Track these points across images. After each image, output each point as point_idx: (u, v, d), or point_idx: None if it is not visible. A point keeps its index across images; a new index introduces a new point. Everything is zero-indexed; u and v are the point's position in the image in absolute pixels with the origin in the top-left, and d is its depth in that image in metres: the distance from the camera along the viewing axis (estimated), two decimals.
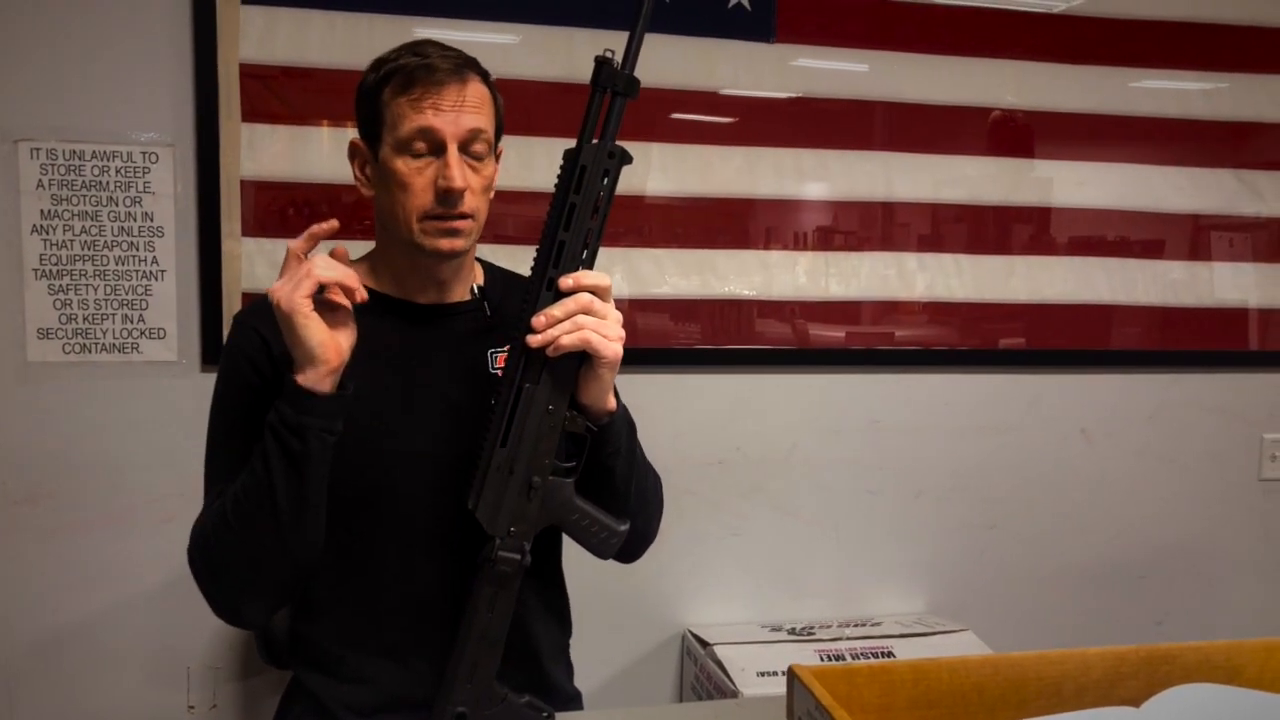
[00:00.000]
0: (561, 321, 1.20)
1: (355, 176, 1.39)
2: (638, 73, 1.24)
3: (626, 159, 1.23)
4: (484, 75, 1.35)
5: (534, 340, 1.20)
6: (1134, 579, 2.53)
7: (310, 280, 1.18)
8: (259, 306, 1.41)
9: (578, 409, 1.27)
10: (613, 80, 1.21)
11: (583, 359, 1.24)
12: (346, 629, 1.36)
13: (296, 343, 1.19)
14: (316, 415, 1.21)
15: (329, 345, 1.20)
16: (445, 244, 1.31)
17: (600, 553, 1.30)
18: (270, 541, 1.24)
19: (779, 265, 2.26)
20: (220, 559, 1.27)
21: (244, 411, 1.32)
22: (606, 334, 1.22)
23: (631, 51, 1.23)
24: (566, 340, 1.20)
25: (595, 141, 1.21)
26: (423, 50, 1.31)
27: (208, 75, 1.95)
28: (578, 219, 1.21)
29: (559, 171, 1.22)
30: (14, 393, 1.96)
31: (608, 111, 1.22)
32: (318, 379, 1.20)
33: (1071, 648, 1.12)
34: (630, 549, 1.39)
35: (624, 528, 1.30)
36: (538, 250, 1.24)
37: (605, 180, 1.22)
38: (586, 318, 1.21)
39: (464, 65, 1.31)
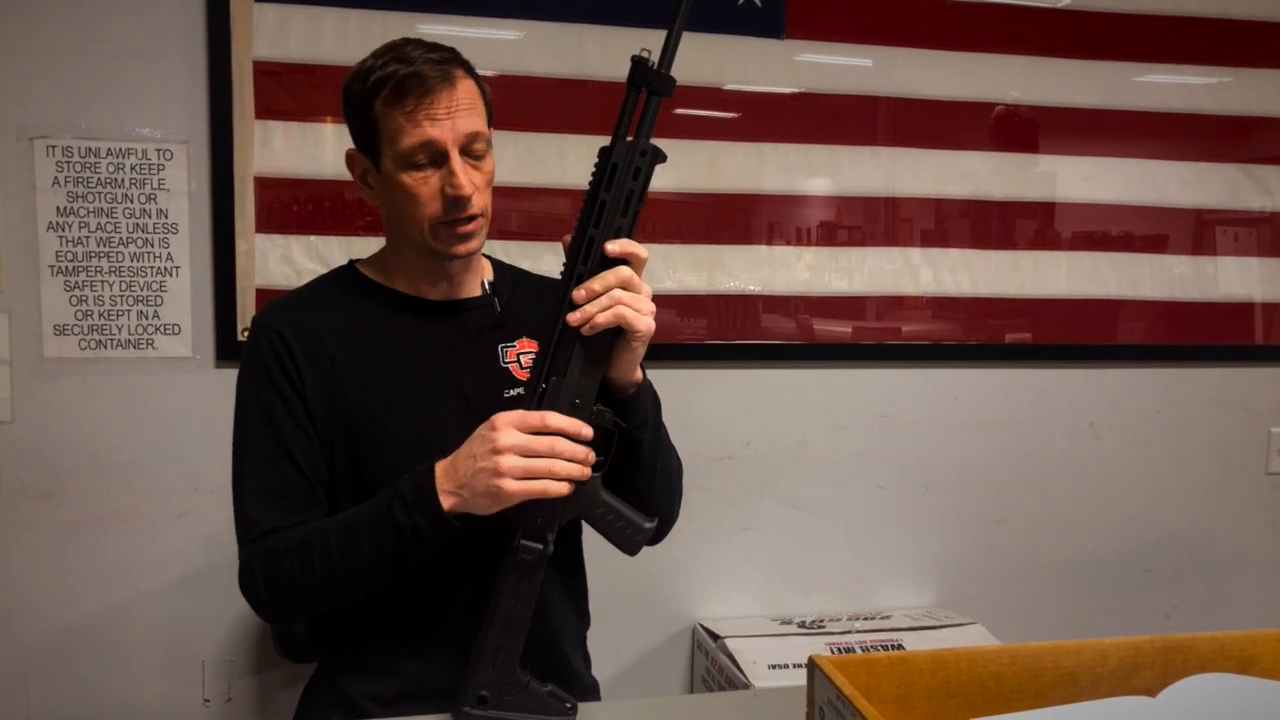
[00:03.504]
0: (600, 296, 1.21)
1: (358, 185, 1.39)
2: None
3: (660, 157, 1.23)
4: (467, 68, 1.34)
5: (573, 318, 1.21)
6: (1141, 572, 2.54)
7: (562, 489, 1.20)
8: (275, 305, 1.42)
9: (606, 382, 1.27)
10: (648, 79, 1.22)
11: (615, 337, 1.24)
12: (368, 621, 1.37)
13: (493, 504, 1.20)
14: (444, 538, 1.23)
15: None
16: (461, 248, 1.33)
17: (626, 548, 1.30)
18: (357, 594, 1.30)
19: (784, 260, 2.27)
20: (294, 599, 1.30)
21: (279, 418, 1.33)
22: (640, 309, 1.23)
23: (668, 51, 1.23)
24: (602, 318, 1.20)
25: (629, 139, 1.22)
26: (407, 56, 1.29)
27: (221, 73, 1.97)
28: (608, 216, 1.21)
29: (593, 169, 1.23)
30: (30, 388, 1.97)
31: (643, 110, 1.23)
32: (463, 512, 1.22)
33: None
34: (655, 532, 1.38)
35: (650, 525, 1.30)
36: (569, 247, 1.24)
37: (637, 178, 1.22)
38: (623, 292, 1.21)
39: (448, 64, 1.30)
